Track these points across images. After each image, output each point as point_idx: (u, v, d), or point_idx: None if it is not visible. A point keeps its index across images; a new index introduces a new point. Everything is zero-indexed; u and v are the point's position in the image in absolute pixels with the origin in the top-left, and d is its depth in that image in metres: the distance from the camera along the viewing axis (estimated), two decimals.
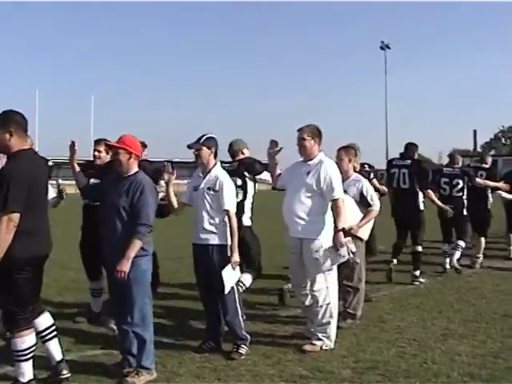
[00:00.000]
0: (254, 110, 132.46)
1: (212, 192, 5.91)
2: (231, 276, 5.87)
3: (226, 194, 5.90)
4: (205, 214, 5.92)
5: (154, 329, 5.46)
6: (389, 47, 63.21)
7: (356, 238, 6.79)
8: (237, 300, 6.02)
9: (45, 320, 5.17)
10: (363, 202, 7.08)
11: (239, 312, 6.04)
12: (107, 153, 6.77)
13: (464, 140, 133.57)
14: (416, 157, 9.87)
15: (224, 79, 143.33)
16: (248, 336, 6.11)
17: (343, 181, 6.99)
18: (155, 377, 5.33)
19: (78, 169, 5.85)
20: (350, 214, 6.63)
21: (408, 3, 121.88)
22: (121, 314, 5.40)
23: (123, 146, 5.31)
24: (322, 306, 6.14)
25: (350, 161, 7.17)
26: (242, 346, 5.99)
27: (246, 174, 7.13)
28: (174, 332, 6.75)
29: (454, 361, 5.76)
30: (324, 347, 6.08)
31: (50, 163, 5.64)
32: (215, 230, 5.90)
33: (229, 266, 5.83)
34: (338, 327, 6.48)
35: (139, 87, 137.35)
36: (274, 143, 6.45)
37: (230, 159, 7.23)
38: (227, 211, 5.90)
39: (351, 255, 6.17)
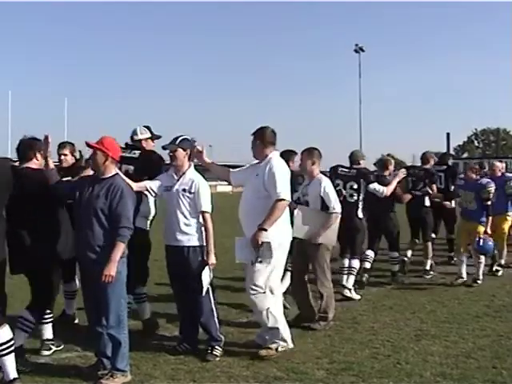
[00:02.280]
0: (236, 109, 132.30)
1: (188, 194, 5.91)
2: (208, 278, 5.88)
3: (202, 195, 5.90)
4: (180, 216, 5.91)
5: (129, 331, 5.45)
6: (363, 50, 63.52)
7: (318, 244, 6.84)
8: (212, 302, 6.02)
9: (4, 334, 4.95)
10: (323, 206, 7.01)
11: (214, 314, 6.05)
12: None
13: (437, 142, 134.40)
14: (450, 163, 12.13)
15: (216, 80, 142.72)
16: (223, 337, 6.13)
17: (308, 184, 7.09)
18: (130, 379, 5.32)
19: (51, 165, 5.60)
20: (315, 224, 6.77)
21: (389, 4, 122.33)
22: (95, 317, 5.37)
23: (101, 148, 5.29)
24: (261, 312, 5.99)
25: (313, 163, 7.13)
26: (217, 347, 6.00)
27: (361, 180, 8.67)
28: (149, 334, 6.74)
29: (426, 361, 5.83)
30: (280, 348, 5.98)
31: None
32: (191, 232, 5.90)
33: (207, 268, 5.85)
34: (312, 329, 6.55)
35: (118, 89, 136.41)
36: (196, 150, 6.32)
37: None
38: (203, 213, 5.91)
39: (259, 259, 5.86)
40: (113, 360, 5.31)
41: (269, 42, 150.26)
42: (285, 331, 6.05)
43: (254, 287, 5.96)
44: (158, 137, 6.92)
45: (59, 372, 5.50)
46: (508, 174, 11.17)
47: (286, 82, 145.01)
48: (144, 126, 6.80)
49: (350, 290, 8.56)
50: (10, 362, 4.95)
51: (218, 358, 5.88)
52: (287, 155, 7.48)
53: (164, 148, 6.08)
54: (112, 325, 5.26)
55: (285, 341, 6.02)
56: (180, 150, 6.01)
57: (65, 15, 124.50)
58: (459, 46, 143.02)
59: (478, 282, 9.54)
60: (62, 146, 6.99)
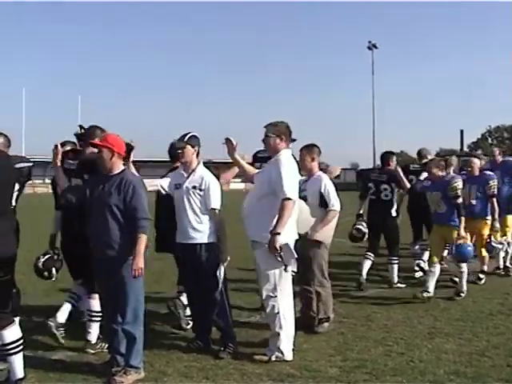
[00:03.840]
0: (235, 109, 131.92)
1: (198, 191, 5.90)
2: (222, 274, 5.89)
3: (212, 192, 5.90)
4: (191, 213, 5.91)
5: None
6: (376, 47, 63.31)
7: (315, 241, 6.66)
8: (225, 299, 6.02)
9: (12, 333, 4.92)
10: (322, 202, 6.80)
11: (227, 311, 6.05)
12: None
13: (451, 140, 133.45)
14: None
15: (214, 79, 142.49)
16: (236, 335, 6.14)
17: (306, 180, 6.91)
18: (143, 376, 5.34)
19: (60, 168, 5.76)
20: (305, 219, 6.46)
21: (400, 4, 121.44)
22: (111, 313, 5.40)
23: (106, 145, 5.33)
24: (270, 316, 5.89)
25: (312, 159, 6.97)
26: (230, 345, 6.00)
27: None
28: (162, 331, 6.78)
29: (440, 359, 5.81)
30: (273, 358, 5.75)
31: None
32: (202, 229, 5.89)
33: (221, 265, 5.85)
34: (316, 332, 6.56)
35: (125, 86, 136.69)
36: (228, 142, 6.27)
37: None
38: (214, 210, 5.91)
39: (284, 264, 5.71)
40: (126, 357, 5.34)
41: (276, 41, 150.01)
42: (285, 342, 5.81)
43: (264, 291, 5.88)
44: (294, 140, 7.38)
45: (73, 368, 5.54)
46: (488, 173, 9.74)
47: (295, 80, 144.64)
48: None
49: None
50: (18, 361, 4.94)
51: (230, 356, 5.88)
52: (387, 156, 9.20)
53: (172, 145, 6.08)
54: (128, 321, 5.29)
55: (281, 352, 5.78)
56: (188, 146, 6.01)
57: (77, 14, 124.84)
58: (475, 43, 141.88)
59: (462, 294, 8.41)
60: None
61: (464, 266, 8.45)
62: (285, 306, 5.83)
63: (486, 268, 9.63)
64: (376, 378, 5.32)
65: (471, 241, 8.73)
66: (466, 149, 70.87)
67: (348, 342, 6.37)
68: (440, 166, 8.55)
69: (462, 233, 8.23)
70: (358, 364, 5.67)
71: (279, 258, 5.65)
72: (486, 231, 9.42)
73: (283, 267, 5.73)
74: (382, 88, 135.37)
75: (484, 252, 9.50)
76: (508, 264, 10.36)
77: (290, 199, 5.64)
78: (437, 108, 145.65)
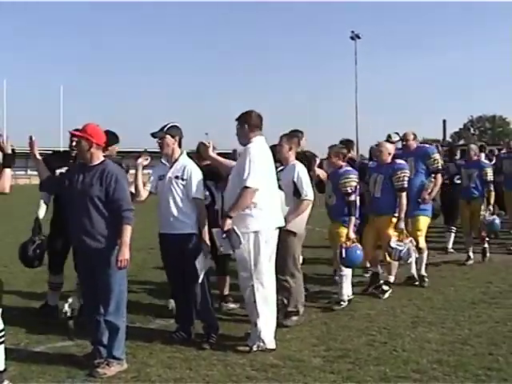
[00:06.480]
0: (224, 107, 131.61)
1: (180, 181, 5.88)
2: (204, 264, 5.86)
3: (194, 182, 5.88)
4: (173, 203, 5.88)
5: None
6: (359, 37, 63.13)
7: (288, 232, 6.51)
8: (207, 290, 6.01)
9: None
10: (295, 191, 6.69)
11: (210, 302, 6.04)
12: None
13: (433, 130, 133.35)
14: None
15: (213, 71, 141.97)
16: (218, 325, 6.13)
17: (282, 169, 6.82)
18: (126, 367, 5.32)
19: (40, 160, 5.57)
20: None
21: None
22: (93, 304, 5.36)
23: (84, 135, 5.28)
24: (247, 305, 5.93)
25: (290, 149, 6.87)
26: (213, 335, 6.00)
27: None
28: (145, 323, 6.75)
29: (423, 348, 5.83)
30: (255, 348, 5.75)
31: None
32: (185, 219, 5.88)
33: (201, 255, 5.83)
34: (285, 326, 6.44)
35: (110, 77, 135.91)
36: (202, 145, 6.46)
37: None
38: (196, 199, 5.89)
39: (232, 247, 5.71)
40: (109, 348, 5.31)
41: (263, 34, 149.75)
42: (266, 330, 5.81)
43: (241, 281, 5.91)
44: (402, 139, 9.36)
45: (55, 361, 5.50)
46: (398, 161, 8.16)
47: (282, 71, 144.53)
48: (395, 133, 9.40)
49: None
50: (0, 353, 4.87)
51: (213, 346, 5.87)
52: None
53: (153, 136, 6.03)
54: (111, 311, 5.25)
55: (262, 341, 5.77)
56: (168, 136, 5.98)
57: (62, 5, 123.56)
58: (458, 34, 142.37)
59: (343, 303, 7.42)
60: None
61: (347, 271, 7.50)
62: (262, 295, 5.81)
63: (392, 279, 8.16)
64: (359, 368, 5.33)
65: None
66: (448, 138, 71.24)
67: (331, 332, 6.38)
68: (340, 154, 7.57)
69: (351, 234, 7.27)
70: (341, 354, 5.68)
71: (226, 240, 5.66)
72: (391, 229, 7.96)
73: (230, 247, 5.72)
74: (364, 78, 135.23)
75: (389, 258, 8.00)
76: (423, 272, 8.75)
77: (248, 187, 5.66)
78: (419, 98, 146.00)
